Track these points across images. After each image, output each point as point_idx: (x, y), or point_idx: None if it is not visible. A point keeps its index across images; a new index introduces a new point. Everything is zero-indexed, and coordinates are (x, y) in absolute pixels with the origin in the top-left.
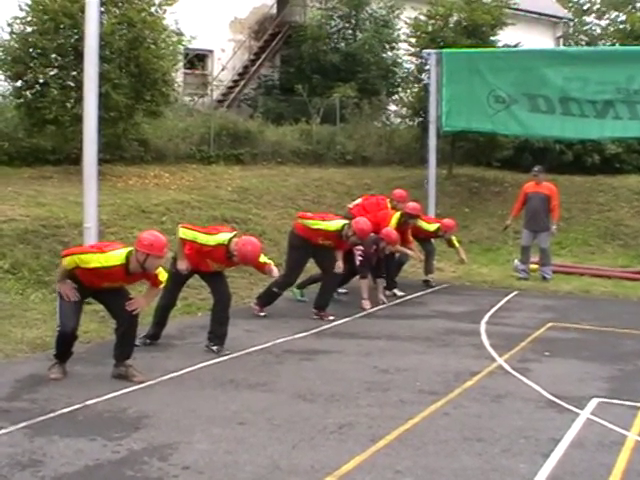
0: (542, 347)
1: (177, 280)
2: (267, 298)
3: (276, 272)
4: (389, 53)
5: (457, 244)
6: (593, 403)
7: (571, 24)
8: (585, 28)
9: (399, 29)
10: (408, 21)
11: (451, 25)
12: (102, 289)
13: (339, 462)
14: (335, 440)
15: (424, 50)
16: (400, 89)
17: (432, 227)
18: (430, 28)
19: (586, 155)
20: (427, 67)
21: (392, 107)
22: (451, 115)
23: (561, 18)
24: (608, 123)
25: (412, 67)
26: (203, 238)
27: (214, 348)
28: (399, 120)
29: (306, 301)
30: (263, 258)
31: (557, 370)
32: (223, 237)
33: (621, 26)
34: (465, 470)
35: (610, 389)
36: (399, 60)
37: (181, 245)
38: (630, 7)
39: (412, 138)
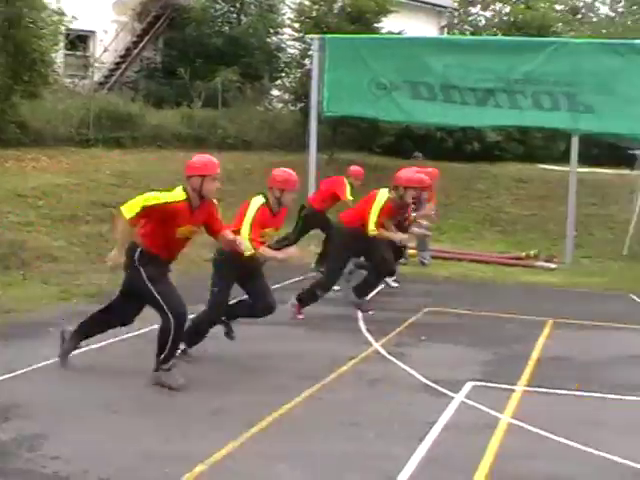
0: (419, 332)
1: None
2: (309, 300)
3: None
4: (273, 38)
5: None
6: (468, 387)
7: (456, 14)
8: (470, 18)
9: (284, 14)
10: (293, 6)
11: (335, 11)
12: None
13: (212, 449)
14: (209, 427)
15: (307, 35)
16: (283, 74)
17: None
18: (314, 13)
19: (467, 142)
20: (310, 52)
21: (275, 92)
22: (333, 100)
23: (446, 7)
24: (488, 111)
25: (296, 52)
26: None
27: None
28: (281, 105)
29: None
30: None
31: (433, 354)
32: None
33: (505, 18)
34: (340, 455)
35: (485, 373)
36: (283, 45)
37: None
38: None
39: (294, 123)
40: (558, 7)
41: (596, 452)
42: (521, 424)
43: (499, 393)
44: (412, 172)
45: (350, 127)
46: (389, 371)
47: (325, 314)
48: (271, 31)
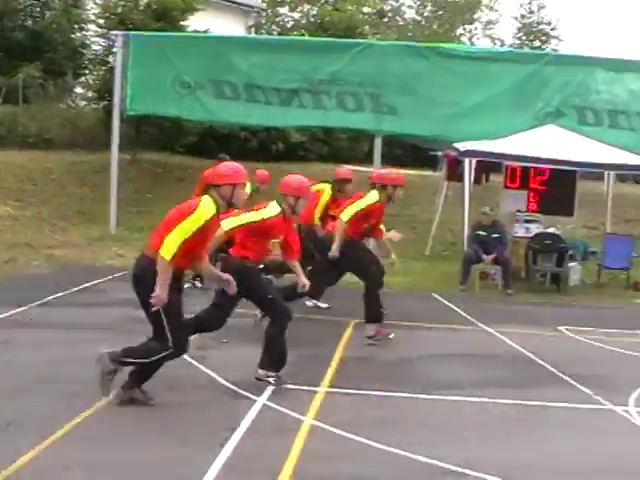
0: (220, 334)
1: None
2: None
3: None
4: (77, 34)
5: None
6: (270, 389)
7: (263, 14)
8: (278, 19)
9: (89, 10)
10: (98, 2)
11: (141, 8)
12: None
13: (5, 462)
14: (4, 438)
15: (111, 32)
16: (87, 71)
17: None
18: (120, 10)
19: (271, 143)
20: (115, 49)
21: (78, 89)
22: (136, 98)
23: (253, 7)
24: (292, 111)
25: (100, 49)
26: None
27: (271, 379)
28: (84, 103)
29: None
30: None
31: (235, 357)
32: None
33: (313, 19)
34: (141, 462)
35: (287, 374)
36: (87, 41)
37: None
38: (323, 1)
39: (97, 121)
40: (365, 10)
41: (401, 452)
42: (323, 425)
43: (301, 395)
44: (397, 171)
45: (153, 126)
46: (190, 374)
47: (127, 316)
48: (75, 27)
